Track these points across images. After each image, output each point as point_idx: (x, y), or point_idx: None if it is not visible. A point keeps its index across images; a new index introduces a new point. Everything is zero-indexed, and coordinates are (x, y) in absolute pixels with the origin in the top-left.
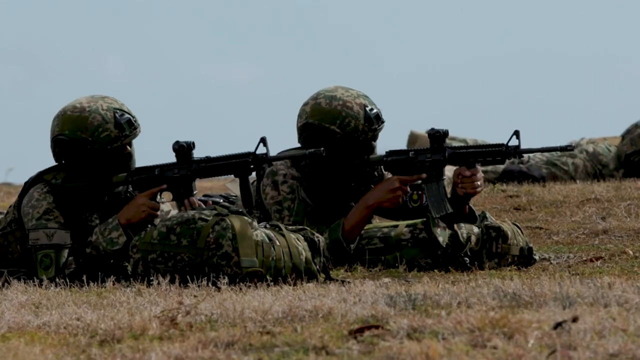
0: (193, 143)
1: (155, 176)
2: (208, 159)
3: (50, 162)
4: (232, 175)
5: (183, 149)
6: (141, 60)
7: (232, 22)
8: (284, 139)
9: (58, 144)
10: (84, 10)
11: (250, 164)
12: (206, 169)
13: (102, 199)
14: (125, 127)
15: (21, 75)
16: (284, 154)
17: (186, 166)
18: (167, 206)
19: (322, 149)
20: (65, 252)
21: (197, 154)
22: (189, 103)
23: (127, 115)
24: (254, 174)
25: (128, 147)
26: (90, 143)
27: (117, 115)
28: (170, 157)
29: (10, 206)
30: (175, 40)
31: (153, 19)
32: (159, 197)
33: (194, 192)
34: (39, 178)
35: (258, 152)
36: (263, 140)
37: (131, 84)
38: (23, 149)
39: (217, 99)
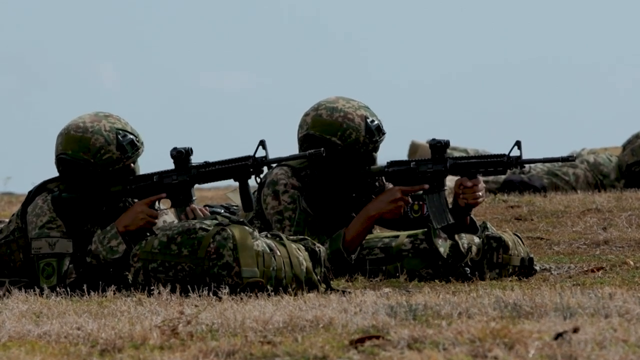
0: (191, 149)
1: (154, 183)
2: (207, 164)
3: (49, 170)
4: (233, 184)
5: (181, 155)
6: (135, 69)
7: (228, 30)
8: (282, 147)
9: (61, 163)
10: (78, 19)
11: (249, 167)
12: (205, 174)
13: (101, 209)
14: (127, 149)
15: (14, 84)
16: (284, 157)
17: (185, 172)
18: (171, 217)
19: (322, 149)
20: (67, 261)
21: (195, 162)
22: (184, 111)
23: (129, 137)
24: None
25: (132, 164)
26: (92, 165)
27: (119, 136)
28: (166, 165)
29: (13, 214)
30: (170, 49)
31: (147, 28)
32: (157, 204)
33: (193, 199)
34: (43, 187)
35: (257, 155)
36: (262, 143)
37: (125, 93)
38: (21, 157)
39: (213, 107)
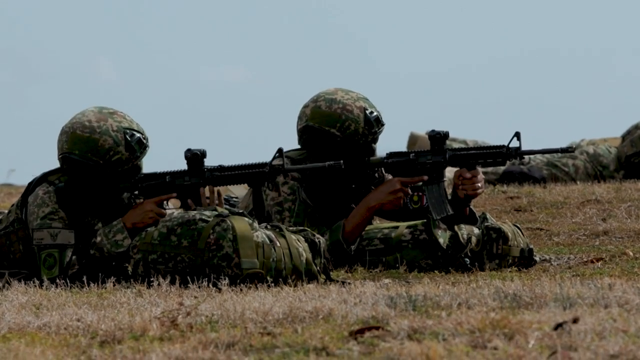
0: (205, 151)
1: (166, 183)
2: (222, 168)
3: (51, 164)
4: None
5: (196, 157)
6: (133, 64)
7: (227, 23)
8: (280, 140)
9: (67, 162)
10: (76, 14)
11: (266, 175)
12: (220, 178)
13: (107, 204)
14: (136, 149)
15: (10, 78)
16: (301, 166)
17: (198, 175)
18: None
19: (342, 161)
20: (69, 252)
21: (209, 164)
22: (182, 106)
23: (137, 135)
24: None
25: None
26: (102, 166)
27: (127, 136)
28: (164, 158)
29: (12, 205)
30: (169, 42)
31: (145, 22)
32: (166, 204)
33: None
34: (44, 178)
35: (274, 163)
36: (280, 152)
37: (123, 87)
38: (24, 150)
39: (212, 100)
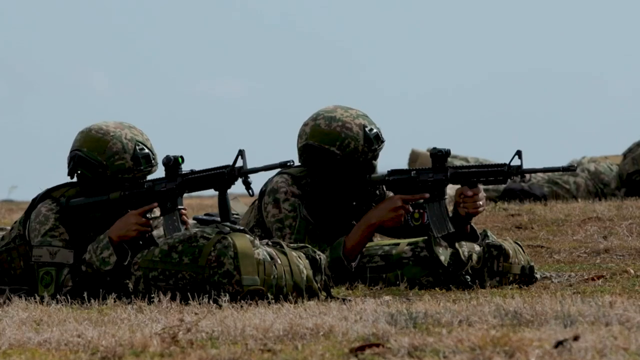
0: (182, 157)
1: (145, 191)
2: (192, 172)
3: (54, 179)
4: (232, 192)
5: (169, 162)
6: (125, 77)
7: (223, 37)
8: (275, 154)
9: (74, 159)
10: (69, 27)
11: (226, 178)
12: (190, 182)
13: (102, 217)
14: (141, 162)
15: (7, 92)
16: (259, 167)
17: (173, 180)
18: (161, 231)
19: (292, 161)
20: (66, 271)
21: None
22: (175, 119)
23: (146, 151)
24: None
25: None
26: (104, 167)
27: (137, 148)
28: (158, 173)
29: (15, 222)
30: (163, 56)
31: (140, 37)
32: (150, 214)
33: (179, 207)
34: (47, 195)
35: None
36: (241, 153)
37: (115, 100)
38: (26, 167)
39: (207, 113)
